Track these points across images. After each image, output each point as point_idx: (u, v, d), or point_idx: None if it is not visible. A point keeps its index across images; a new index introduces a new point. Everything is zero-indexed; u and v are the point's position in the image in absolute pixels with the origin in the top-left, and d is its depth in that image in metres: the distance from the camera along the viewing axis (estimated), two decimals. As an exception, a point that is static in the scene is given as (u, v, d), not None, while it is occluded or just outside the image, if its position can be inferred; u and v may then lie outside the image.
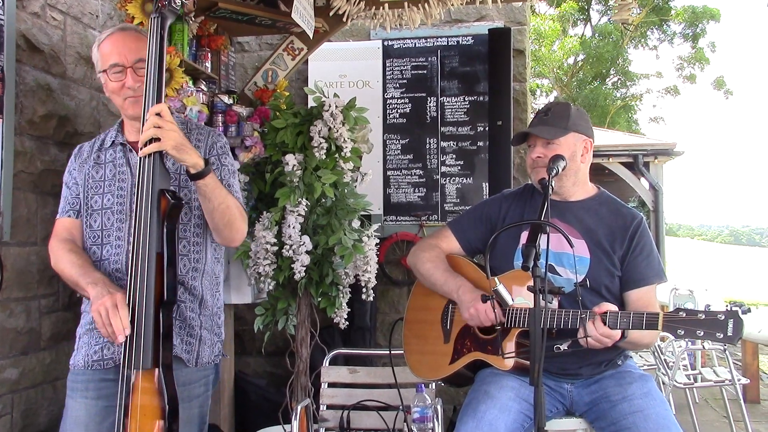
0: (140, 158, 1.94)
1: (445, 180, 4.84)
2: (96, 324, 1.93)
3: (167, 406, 1.86)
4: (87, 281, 2.01)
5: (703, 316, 2.02)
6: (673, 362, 4.73)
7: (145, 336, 1.87)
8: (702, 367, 5.43)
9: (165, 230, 1.93)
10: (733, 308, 2.04)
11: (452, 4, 3.57)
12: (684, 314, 2.05)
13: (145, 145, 1.92)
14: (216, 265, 2.30)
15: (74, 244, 2.17)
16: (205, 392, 2.23)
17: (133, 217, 1.98)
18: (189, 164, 1.98)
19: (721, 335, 1.99)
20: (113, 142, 2.23)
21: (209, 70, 3.76)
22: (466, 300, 2.38)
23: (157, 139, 1.91)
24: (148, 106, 1.95)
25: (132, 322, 1.87)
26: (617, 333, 2.14)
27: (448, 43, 4.86)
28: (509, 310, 2.29)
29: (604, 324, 2.12)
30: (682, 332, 2.04)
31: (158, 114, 1.91)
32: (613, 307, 2.16)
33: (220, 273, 2.33)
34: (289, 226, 3.36)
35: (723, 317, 1.99)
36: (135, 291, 1.89)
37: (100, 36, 2.21)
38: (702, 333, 2.01)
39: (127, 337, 1.87)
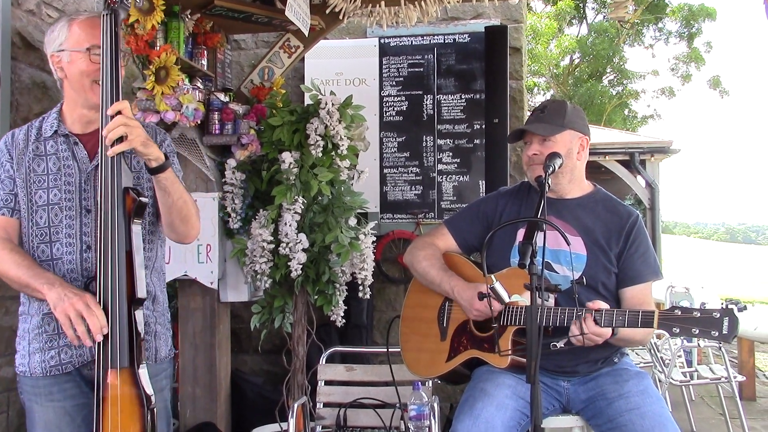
0: (107, 157, 1.91)
1: (441, 178, 4.84)
2: (62, 326, 1.88)
3: (146, 404, 1.87)
4: (41, 282, 1.93)
5: (699, 314, 2.02)
6: (670, 360, 4.74)
7: (120, 335, 1.86)
8: (698, 364, 5.45)
9: (131, 228, 1.92)
10: (729, 306, 2.04)
11: (449, 2, 3.56)
12: (679, 312, 2.06)
13: (113, 144, 1.89)
14: (163, 262, 2.29)
15: (13, 243, 2.06)
16: (167, 385, 2.22)
17: (86, 213, 1.96)
18: (153, 158, 1.95)
19: (717, 333, 1.99)
20: (55, 132, 2.12)
21: (205, 68, 3.75)
22: (466, 298, 2.39)
23: (122, 138, 1.88)
24: (106, 104, 1.92)
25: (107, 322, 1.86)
26: (608, 331, 2.14)
27: (444, 40, 4.86)
28: (506, 307, 2.30)
29: (598, 323, 2.13)
30: (678, 330, 2.04)
31: (119, 112, 1.89)
32: (605, 305, 2.17)
33: (164, 269, 2.32)
34: (285, 223, 3.36)
35: (718, 315, 1.99)
36: (106, 290, 1.87)
37: (69, 16, 2.13)
38: (697, 331, 2.01)
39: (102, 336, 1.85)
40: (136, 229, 1.94)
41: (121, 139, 1.88)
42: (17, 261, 2.00)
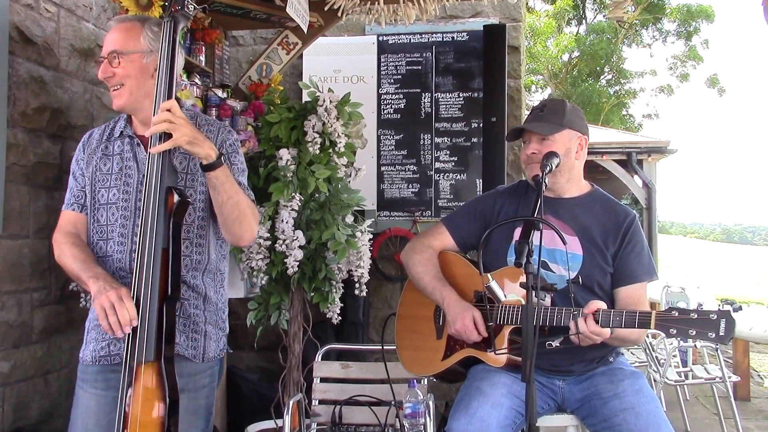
0: (150, 155, 1.96)
1: (438, 176, 4.84)
2: (98, 317, 1.92)
3: (168, 398, 1.89)
4: (88, 275, 2.01)
5: (696, 316, 2.02)
6: (665, 359, 4.75)
7: (149, 330, 1.89)
8: (693, 364, 5.46)
9: (171, 227, 1.95)
10: (725, 307, 2.04)
11: (447, 1, 3.57)
12: (676, 313, 2.06)
13: (160, 140, 1.94)
14: (221, 263, 2.30)
15: (78, 237, 2.16)
16: (211, 383, 2.23)
17: (140, 214, 1.99)
18: (201, 156, 1.99)
19: (713, 335, 1.99)
20: (121, 132, 2.20)
21: (203, 64, 3.75)
22: (453, 314, 2.40)
23: (169, 135, 1.92)
24: (158, 105, 1.98)
25: (137, 315, 1.90)
26: (607, 331, 2.14)
27: (443, 39, 4.86)
28: (501, 307, 2.30)
29: (597, 322, 2.13)
30: (674, 331, 2.04)
31: (168, 110, 1.93)
32: (603, 305, 2.17)
33: (224, 269, 2.33)
34: (282, 220, 3.36)
35: (715, 317, 1.99)
36: (140, 285, 1.91)
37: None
38: (694, 332, 2.02)
39: (131, 330, 1.89)
40: (176, 228, 1.96)
41: (168, 137, 1.93)
42: (75, 254, 2.09)
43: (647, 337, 4.90)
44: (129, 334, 1.90)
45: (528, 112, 2.63)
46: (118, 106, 2.15)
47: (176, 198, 1.95)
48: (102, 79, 2.15)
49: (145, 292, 1.90)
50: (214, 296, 2.23)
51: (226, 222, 2.13)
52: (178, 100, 2.24)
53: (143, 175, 2.06)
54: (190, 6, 2.05)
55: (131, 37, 2.11)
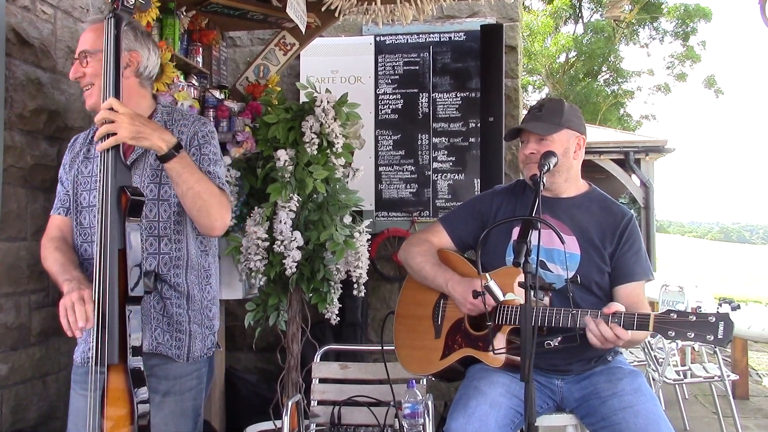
0: (99, 153, 1.95)
1: (436, 176, 4.84)
2: (59, 316, 1.93)
3: (135, 402, 1.88)
4: (64, 278, 2.03)
5: (694, 318, 2.02)
6: (663, 358, 4.75)
7: (110, 331, 1.87)
8: (692, 363, 5.47)
9: (126, 226, 1.93)
10: (723, 306, 2.04)
11: (444, 1, 3.56)
12: (675, 315, 2.05)
13: (102, 140, 1.93)
14: (203, 258, 2.28)
15: (63, 241, 2.17)
16: (198, 385, 2.22)
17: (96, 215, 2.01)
18: (152, 149, 2.00)
19: (712, 337, 1.98)
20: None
21: (200, 65, 3.75)
22: (459, 292, 2.39)
23: (114, 133, 1.92)
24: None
25: (99, 317, 1.88)
26: (627, 335, 2.12)
27: (440, 39, 4.86)
28: (500, 306, 2.30)
29: (619, 324, 2.12)
30: (673, 333, 2.04)
31: (110, 108, 1.92)
32: (621, 308, 2.16)
33: (210, 265, 2.31)
34: (280, 221, 3.36)
35: (714, 319, 1.99)
36: (99, 287, 1.89)
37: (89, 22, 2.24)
38: (693, 335, 2.01)
39: (92, 332, 1.89)
40: (132, 227, 1.94)
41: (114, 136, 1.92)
42: (56, 258, 2.12)
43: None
44: (92, 337, 1.88)
45: (526, 112, 2.63)
46: (89, 106, 2.16)
47: (129, 197, 1.92)
48: (73, 80, 2.17)
49: (103, 294, 1.88)
50: (198, 294, 2.22)
51: (191, 213, 2.13)
52: (155, 97, 2.26)
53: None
54: (129, 1, 2.02)
55: (99, 37, 2.07)
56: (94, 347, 1.88)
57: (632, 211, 2.53)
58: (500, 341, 2.34)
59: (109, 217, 1.90)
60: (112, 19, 2.00)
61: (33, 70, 3.21)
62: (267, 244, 3.38)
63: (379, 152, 4.89)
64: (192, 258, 2.21)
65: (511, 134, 2.59)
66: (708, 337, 1.99)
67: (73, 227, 2.19)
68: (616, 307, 2.16)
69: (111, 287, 1.88)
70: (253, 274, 3.43)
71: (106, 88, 1.97)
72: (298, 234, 3.36)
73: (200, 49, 3.75)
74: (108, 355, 1.86)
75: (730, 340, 2.00)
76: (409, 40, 4.89)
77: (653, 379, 4.78)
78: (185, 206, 2.11)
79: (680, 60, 24.21)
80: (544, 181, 2.29)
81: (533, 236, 2.02)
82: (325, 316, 3.52)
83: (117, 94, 1.97)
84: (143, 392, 1.90)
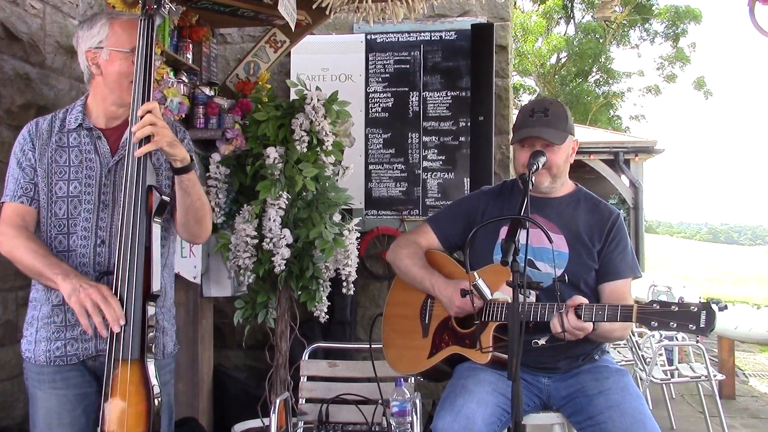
0: (134, 155, 1.95)
1: (426, 175, 4.84)
2: (78, 316, 1.90)
3: (153, 397, 1.90)
4: (55, 272, 1.95)
5: (677, 308, 2.02)
6: (650, 358, 4.78)
7: (133, 327, 1.90)
8: (679, 362, 5.50)
9: (152, 225, 1.96)
10: (707, 300, 2.05)
11: (435, -1, 3.57)
12: (657, 306, 2.05)
13: (140, 143, 1.93)
14: (173, 259, 2.33)
15: (30, 231, 2.08)
16: (170, 380, 2.25)
17: (104, 207, 2.02)
18: (178, 159, 1.99)
19: (694, 327, 1.98)
20: (79, 125, 2.13)
21: (190, 62, 3.73)
22: (446, 295, 2.39)
23: (149, 138, 1.92)
24: (136, 104, 1.97)
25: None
26: (589, 325, 2.15)
27: (431, 37, 4.86)
28: (488, 304, 2.30)
29: (579, 318, 2.13)
30: (656, 324, 2.04)
31: (150, 112, 1.92)
32: (585, 300, 2.18)
33: (173, 264, 2.34)
34: (269, 219, 3.36)
35: (696, 309, 1.99)
36: (123, 284, 1.91)
37: (109, 14, 2.17)
38: (675, 324, 2.01)
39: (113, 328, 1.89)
40: (156, 226, 1.98)
41: (148, 139, 1.93)
42: (33, 249, 2.01)
43: (633, 335, 4.93)
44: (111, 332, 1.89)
45: (516, 111, 2.61)
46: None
47: (157, 197, 1.96)
48: (132, 73, 2.08)
49: (128, 290, 1.90)
50: (169, 292, 2.25)
51: (189, 222, 2.14)
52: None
53: (106, 168, 2.08)
54: (166, 6, 2.03)
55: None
56: (109, 343, 1.90)
57: (621, 211, 2.54)
58: (487, 339, 2.35)
59: (138, 215, 1.93)
60: (146, 20, 2.01)
61: (22, 65, 3.20)
62: (256, 241, 3.38)
63: (369, 150, 4.89)
64: (169, 258, 2.25)
65: (520, 138, 2.47)
66: (690, 326, 1.99)
67: (44, 218, 2.10)
68: (580, 299, 2.17)
69: (137, 284, 1.91)
70: (241, 271, 3.43)
71: (138, 89, 1.98)
72: (287, 231, 3.36)
73: (190, 45, 3.74)
74: (130, 351, 1.89)
75: (713, 329, 2.00)
76: (400, 39, 4.89)
77: (640, 379, 4.81)
78: (186, 215, 2.12)
79: (670, 61, 24.31)
80: (533, 180, 2.29)
81: (521, 235, 2.03)
82: (314, 314, 3.52)
83: (149, 97, 1.98)
84: (158, 387, 1.93)
